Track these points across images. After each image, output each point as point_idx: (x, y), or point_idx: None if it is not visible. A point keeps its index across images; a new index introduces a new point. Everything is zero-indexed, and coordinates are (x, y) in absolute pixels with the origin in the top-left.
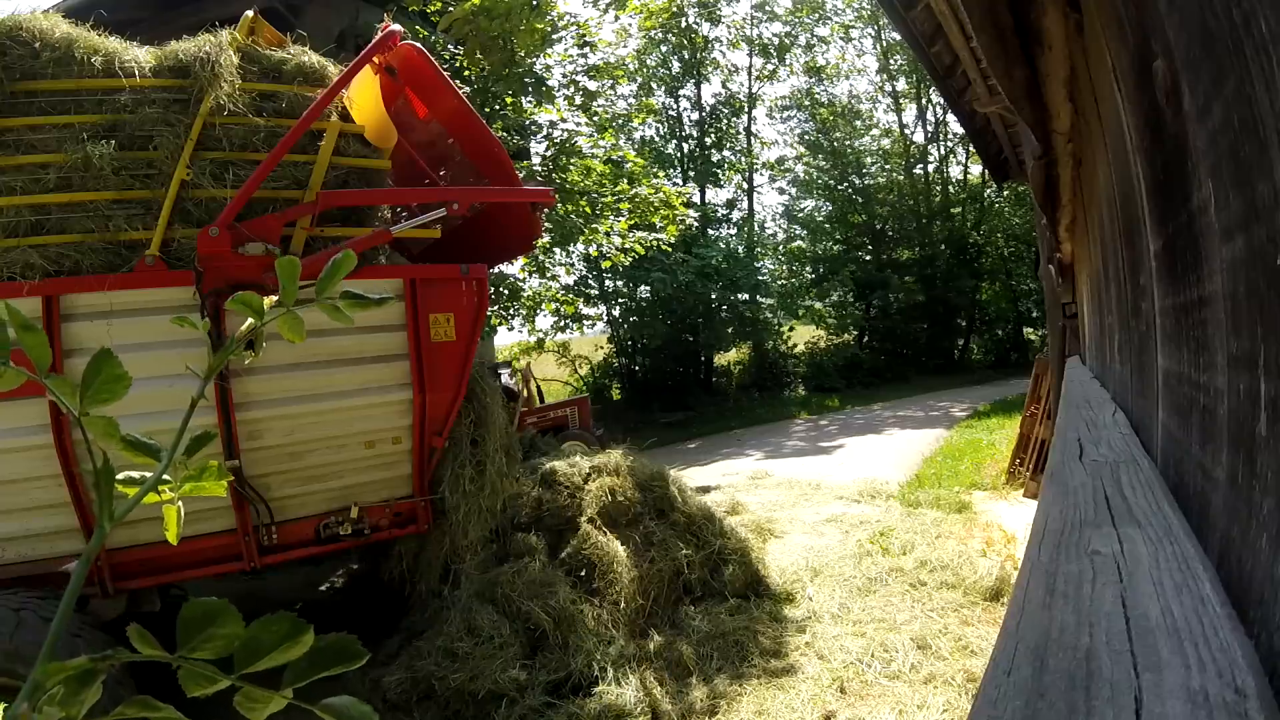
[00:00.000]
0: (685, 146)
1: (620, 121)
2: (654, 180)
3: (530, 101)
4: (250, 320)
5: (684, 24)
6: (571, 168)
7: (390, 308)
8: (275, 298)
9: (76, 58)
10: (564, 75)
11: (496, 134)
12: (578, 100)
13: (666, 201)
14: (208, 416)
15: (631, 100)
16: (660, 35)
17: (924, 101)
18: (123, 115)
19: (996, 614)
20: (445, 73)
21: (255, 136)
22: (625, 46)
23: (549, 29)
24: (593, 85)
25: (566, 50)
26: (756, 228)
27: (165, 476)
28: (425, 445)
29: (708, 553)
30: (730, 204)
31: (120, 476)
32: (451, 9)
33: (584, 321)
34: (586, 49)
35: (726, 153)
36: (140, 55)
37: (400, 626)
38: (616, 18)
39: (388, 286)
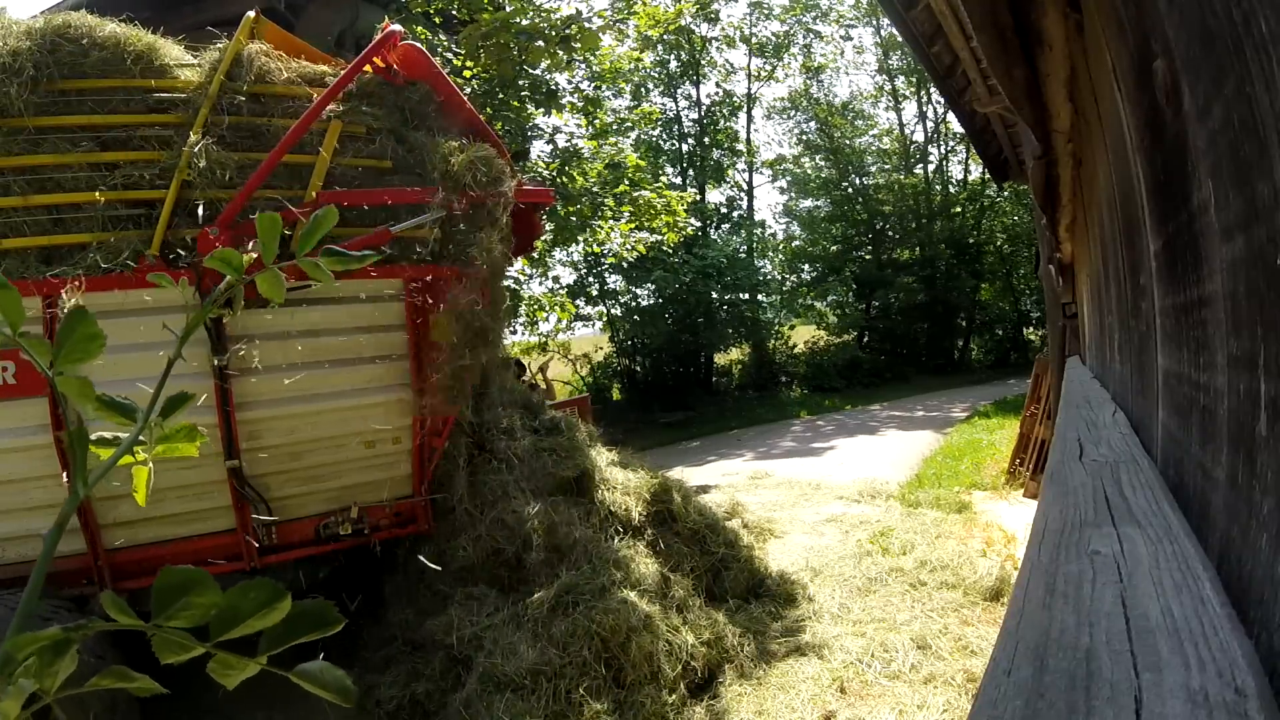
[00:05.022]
0: (684, 146)
1: (620, 125)
2: (655, 184)
3: (537, 107)
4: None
5: (681, 24)
6: (575, 175)
7: (390, 308)
8: (255, 254)
9: (156, 59)
10: (568, 80)
11: (498, 134)
12: (580, 105)
13: (669, 206)
14: (208, 416)
15: (629, 103)
16: (657, 36)
17: (924, 101)
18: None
19: (996, 614)
20: (446, 73)
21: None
22: (622, 46)
23: (573, 54)
24: (594, 93)
25: (573, 61)
26: (756, 227)
27: (140, 438)
28: (425, 445)
29: (711, 560)
30: (730, 203)
31: (94, 437)
32: (454, 12)
33: (585, 321)
34: (590, 55)
35: (724, 152)
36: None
37: (394, 630)
38: (621, 30)
39: (389, 286)
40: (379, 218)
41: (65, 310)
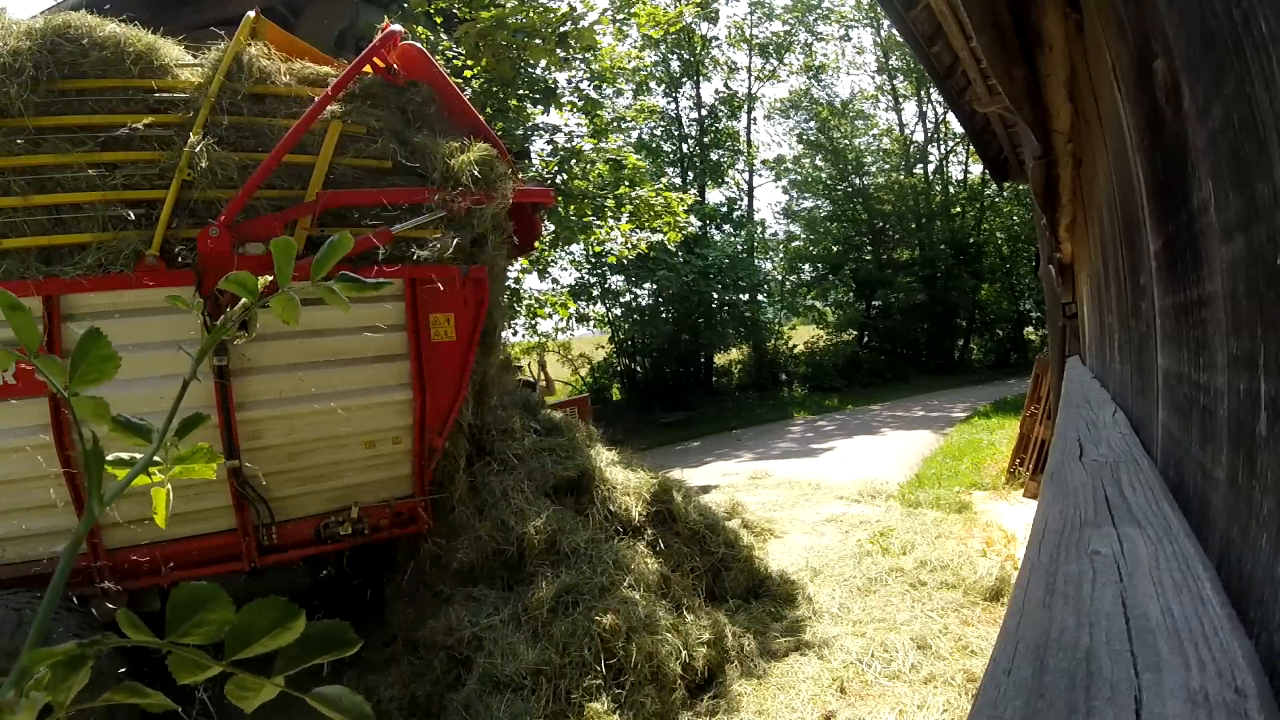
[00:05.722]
0: (685, 146)
1: (620, 123)
2: (656, 185)
3: (536, 107)
4: (244, 300)
5: (683, 23)
6: (575, 171)
7: (390, 308)
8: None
9: (156, 59)
10: (568, 80)
11: (498, 134)
12: (579, 105)
13: (669, 207)
14: (208, 416)
15: (631, 101)
16: (658, 37)
17: (924, 100)
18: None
19: (996, 614)
20: (446, 73)
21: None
22: (622, 45)
23: (570, 52)
24: (595, 93)
25: (572, 60)
26: (757, 227)
27: (156, 458)
28: (425, 445)
29: (711, 560)
30: (731, 203)
31: (110, 458)
32: (455, 11)
33: (585, 321)
34: (589, 54)
35: (724, 152)
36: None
37: (394, 630)
38: (622, 29)
39: (389, 287)
40: (380, 218)
41: (67, 313)
